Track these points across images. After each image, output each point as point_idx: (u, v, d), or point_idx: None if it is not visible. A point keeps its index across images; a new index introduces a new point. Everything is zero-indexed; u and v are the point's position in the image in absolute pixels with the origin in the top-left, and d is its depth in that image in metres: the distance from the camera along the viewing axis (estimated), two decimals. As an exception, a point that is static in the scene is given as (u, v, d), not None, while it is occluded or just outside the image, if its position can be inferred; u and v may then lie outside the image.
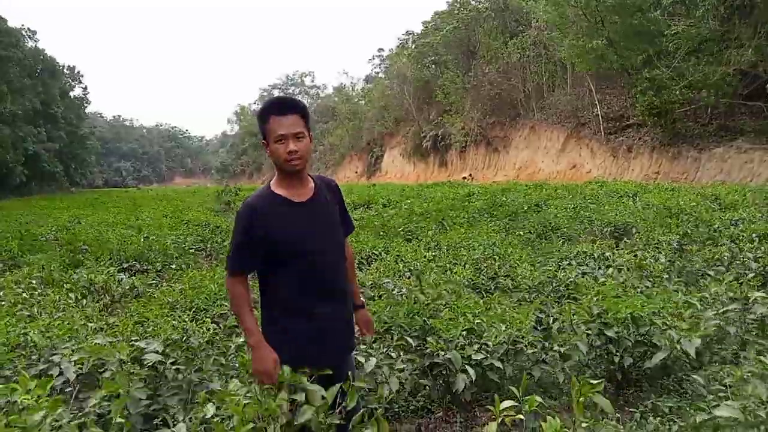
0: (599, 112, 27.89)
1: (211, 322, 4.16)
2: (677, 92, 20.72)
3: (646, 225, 8.55)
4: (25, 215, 17.46)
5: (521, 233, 9.34)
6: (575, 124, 30.53)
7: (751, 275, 4.87)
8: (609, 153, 27.11)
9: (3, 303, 4.72)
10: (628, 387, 3.66)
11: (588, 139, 29.28)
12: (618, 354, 3.49)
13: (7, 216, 16.91)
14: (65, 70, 54.96)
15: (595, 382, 1.97)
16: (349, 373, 2.11)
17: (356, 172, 58.60)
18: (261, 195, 2.22)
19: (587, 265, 6.02)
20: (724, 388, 2.92)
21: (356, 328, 2.48)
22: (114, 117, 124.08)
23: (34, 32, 50.67)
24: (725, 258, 5.75)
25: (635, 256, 6.20)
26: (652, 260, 5.91)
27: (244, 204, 2.20)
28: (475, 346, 3.32)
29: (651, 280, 5.08)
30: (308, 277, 2.18)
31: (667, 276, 5.25)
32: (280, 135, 2.11)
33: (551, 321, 3.67)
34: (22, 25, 48.43)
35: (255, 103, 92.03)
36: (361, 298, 2.60)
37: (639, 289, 4.35)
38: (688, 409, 2.96)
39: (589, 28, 23.73)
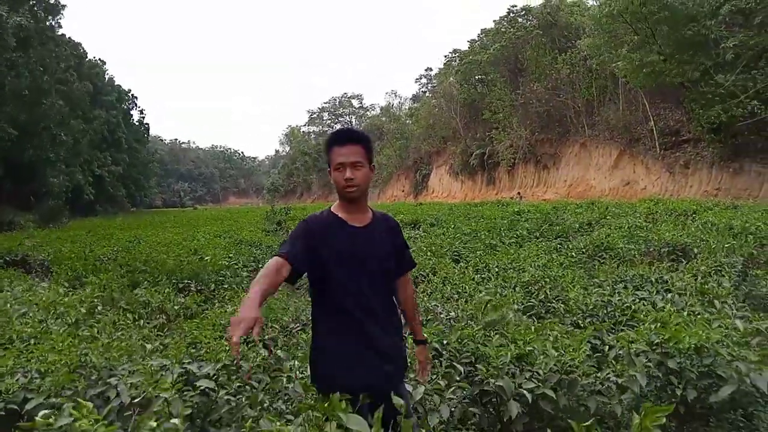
0: (653, 127, 27.01)
1: (263, 346, 4.21)
2: (743, 105, 19.74)
3: (706, 246, 8.14)
4: (90, 236, 18.34)
5: (573, 254, 9.07)
6: (628, 140, 29.68)
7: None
8: (665, 169, 26.15)
9: (67, 322, 4.93)
10: (692, 422, 3.46)
11: (642, 155, 28.37)
12: (680, 387, 3.30)
13: (74, 236, 17.80)
14: (124, 96, 58.07)
15: (662, 408, 1.85)
16: (401, 404, 2.01)
17: (403, 191, 58.79)
18: (321, 213, 2.36)
19: (644, 288, 5.76)
20: (800, 426, 2.72)
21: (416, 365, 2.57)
22: (172, 140, 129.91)
23: (104, 62, 53.90)
24: (797, 282, 5.39)
25: (696, 279, 5.91)
26: (714, 284, 5.60)
27: (305, 219, 2.34)
28: (527, 374, 3.22)
29: (714, 305, 4.81)
30: (351, 299, 2.23)
31: (731, 301, 4.96)
32: (339, 163, 2.24)
33: (607, 349, 3.52)
34: (95, 57, 51.62)
35: (305, 125, 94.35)
36: (424, 335, 2.62)
37: (701, 316, 4.12)
38: (759, 448, 2.76)
39: (640, 41, 23.08)
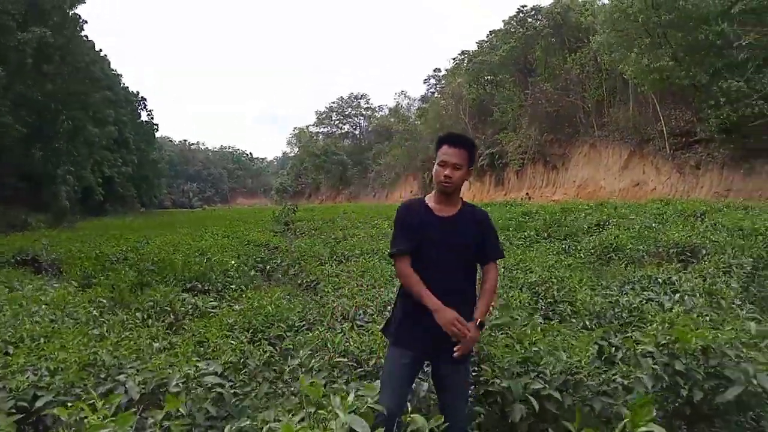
0: (664, 128, 26.82)
1: (269, 344, 4.24)
2: (755, 105, 19.56)
3: (716, 247, 8.08)
4: (100, 235, 18.48)
5: (581, 255, 9.04)
6: (638, 141, 29.50)
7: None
8: (675, 170, 25.98)
9: (77, 321, 4.99)
10: (698, 423, 3.44)
11: (652, 156, 28.19)
12: (686, 388, 3.29)
13: (84, 236, 17.95)
14: (132, 97, 58.41)
15: (647, 398, 1.85)
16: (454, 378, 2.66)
17: (411, 192, 58.73)
18: (415, 200, 2.85)
19: (652, 290, 5.73)
20: (807, 428, 2.70)
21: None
22: (181, 141, 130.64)
23: (109, 62, 54.27)
24: (807, 284, 5.34)
25: (705, 280, 5.87)
26: (723, 285, 5.56)
27: (401, 204, 2.84)
28: (532, 375, 3.22)
29: (722, 306, 4.78)
30: (430, 274, 2.57)
31: (740, 302, 4.92)
32: (443, 161, 2.62)
33: (614, 350, 3.51)
34: (105, 55, 51.94)
35: (313, 126, 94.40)
36: (481, 318, 2.68)
37: (709, 317, 4.10)
38: (766, 450, 2.75)
39: (651, 45, 22.90)
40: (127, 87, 57.45)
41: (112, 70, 54.46)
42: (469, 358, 2.79)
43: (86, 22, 36.15)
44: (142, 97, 61.77)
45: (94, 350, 3.55)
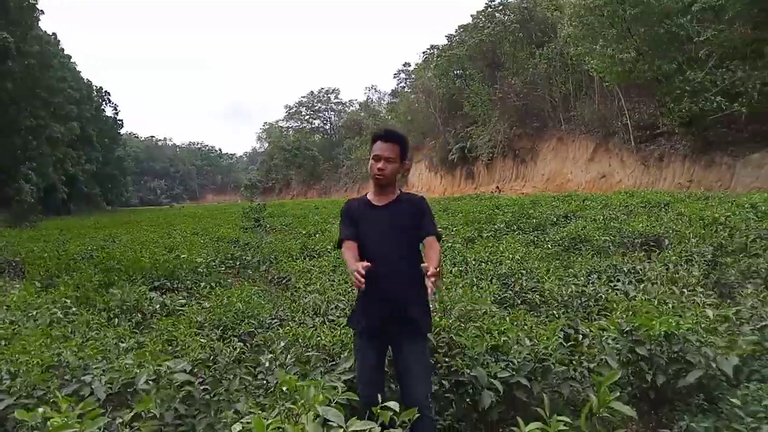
0: (628, 121, 27.42)
1: (239, 341, 4.21)
2: (713, 100, 20.17)
3: (678, 236, 8.32)
4: (63, 234, 17.99)
5: (549, 246, 9.20)
6: (604, 134, 30.09)
7: (790, 288, 4.70)
8: (639, 162, 26.61)
9: (39, 322, 4.85)
10: (662, 407, 3.55)
11: (617, 149, 28.81)
12: (650, 372, 3.39)
13: (47, 235, 17.45)
14: (95, 93, 56.70)
15: (611, 374, 1.92)
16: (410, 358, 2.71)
17: (383, 186, 58.69)
18: (357, 197, 3.08)
19: (617, 279, 5.88)
20: (763, 409, 2.81)
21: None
22: (148, 137, 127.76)
23: (69, 57, 52.67)
24: (762, 270, 5.55)
25: (667, 269, 6.05)
26: (685, 273, 5.74)
27: (344, 203, 3.04)
28: (502, 364, 3.27)
29: (684, 294, 4.94)
30: (374, 260, 2.65)
31: (701, 289, 5.09)
32: (377, 155, 2.83)
33: (580, 337, 3.59)
34: (62, 49, 50.37)
35: (283, 121, 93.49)
36: (435, 266, 2.59)
37: (671, 304, 4.22)
38: (724, 431, 2.85)
39: (616, 37, 23.36)
40: (91, 82, 55.79)
41: (73, 63, 52.85)
42: (424, 340, 2.84)
43: (43, 12, 34.97)
44: (106, 91, 60.08)
45: (57, 351, 3.46)
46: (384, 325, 2.76)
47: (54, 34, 44.54)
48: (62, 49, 49.03)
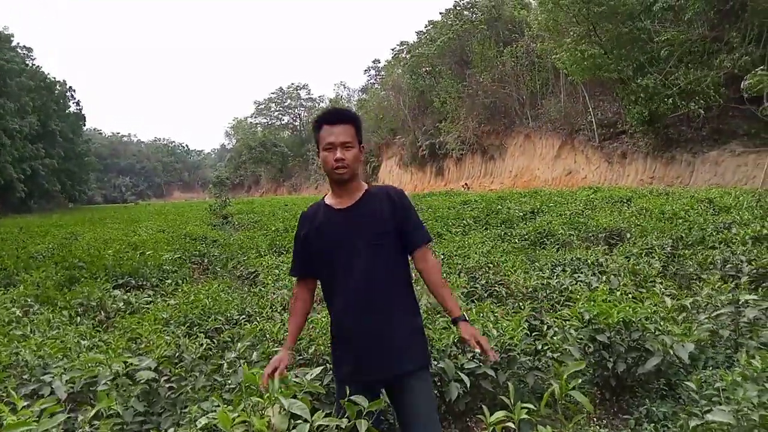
0: (593, 119, 28.03)
1: (205, 337, 4.15)
2: (669, 101, 20.81)
3: (640, 230, 8.57)
4: (23, 232, 17.42)
5: (516, 241, 9.35)
6: (569, 131, 30.67)
7: (744, 278, 4.89)
8: (604, 159, 27.23)
9: (-3, 322, 4.70)
10: (623, 393, 3.66)
11: (582, 146, 29.41)
12: (611, 360, 3.49)
13: (5, 234, 16.87)
14: (58, 87, 54.84)
15: (575, 364, 1.96)
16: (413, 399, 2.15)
17: (353, 183, 58.55)
18: (315, 204, 2.36)
19: (581, 271, 6.02)
20: (717, 392, 2.92)
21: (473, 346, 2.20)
22: (112, 133, 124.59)
23: (30, 49, 50.93)
24: (718, 261, 5.76)
25: (629, 261, 6.22)
26: (645, 265, 5.92)
27: (300, 214, 2.38)
28: (468, 355, 3.32)
29: (644, 284, 5.09)
30: (342, 287, 2.17)
31: (660, 281, 5.25)
32: (329, 143, 2.16)
33: (545, 328, 3.67)
34: (18, 43, 48.74)
35: (252, 116, 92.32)
36: (460, 311, 2.29)
37: (631, 294, 4.35)
38: (681, 414, 2.96)
39: (582, 34, 23.83)
40: (54, 77, 53.83)
41: (31, 55, 51.07)
42: (428, 371, 2.31)
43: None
44: (69, 86, 58.13)
45: (15, 351, 3.36)
46: (371, 384, 2.13)
47: (6, 26, 42.94)
48: (17, 43, 47.48)
